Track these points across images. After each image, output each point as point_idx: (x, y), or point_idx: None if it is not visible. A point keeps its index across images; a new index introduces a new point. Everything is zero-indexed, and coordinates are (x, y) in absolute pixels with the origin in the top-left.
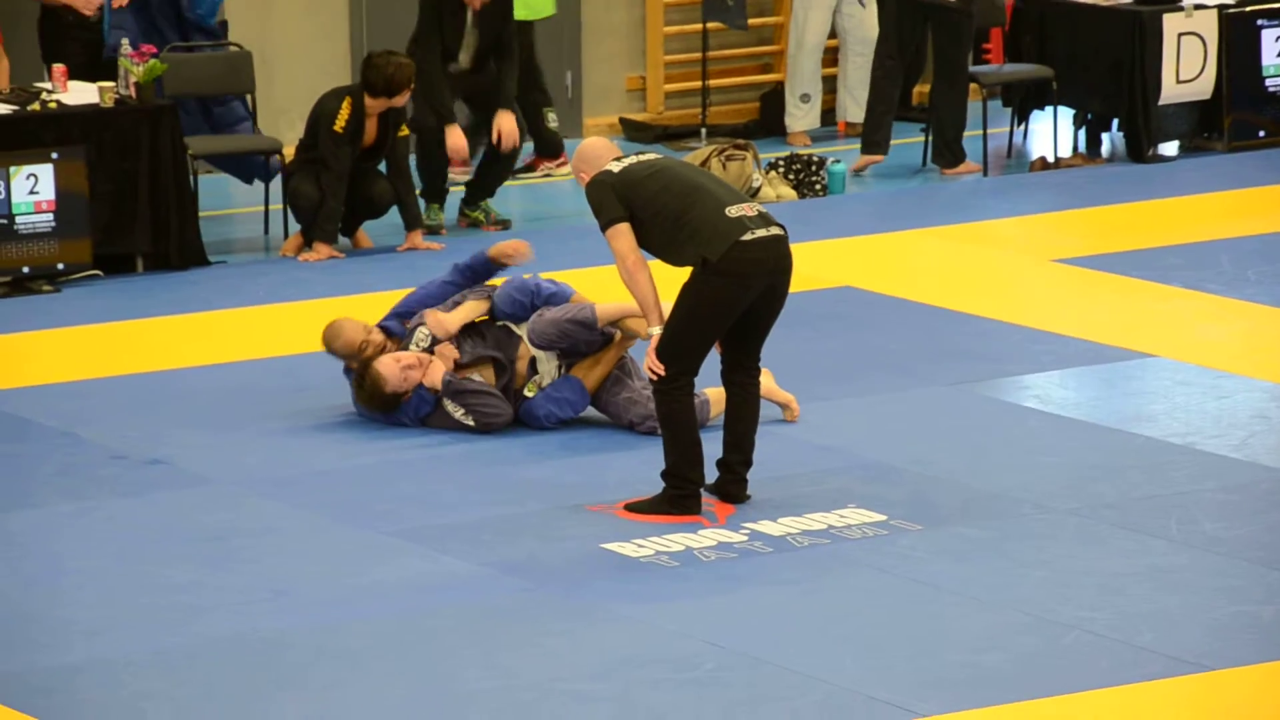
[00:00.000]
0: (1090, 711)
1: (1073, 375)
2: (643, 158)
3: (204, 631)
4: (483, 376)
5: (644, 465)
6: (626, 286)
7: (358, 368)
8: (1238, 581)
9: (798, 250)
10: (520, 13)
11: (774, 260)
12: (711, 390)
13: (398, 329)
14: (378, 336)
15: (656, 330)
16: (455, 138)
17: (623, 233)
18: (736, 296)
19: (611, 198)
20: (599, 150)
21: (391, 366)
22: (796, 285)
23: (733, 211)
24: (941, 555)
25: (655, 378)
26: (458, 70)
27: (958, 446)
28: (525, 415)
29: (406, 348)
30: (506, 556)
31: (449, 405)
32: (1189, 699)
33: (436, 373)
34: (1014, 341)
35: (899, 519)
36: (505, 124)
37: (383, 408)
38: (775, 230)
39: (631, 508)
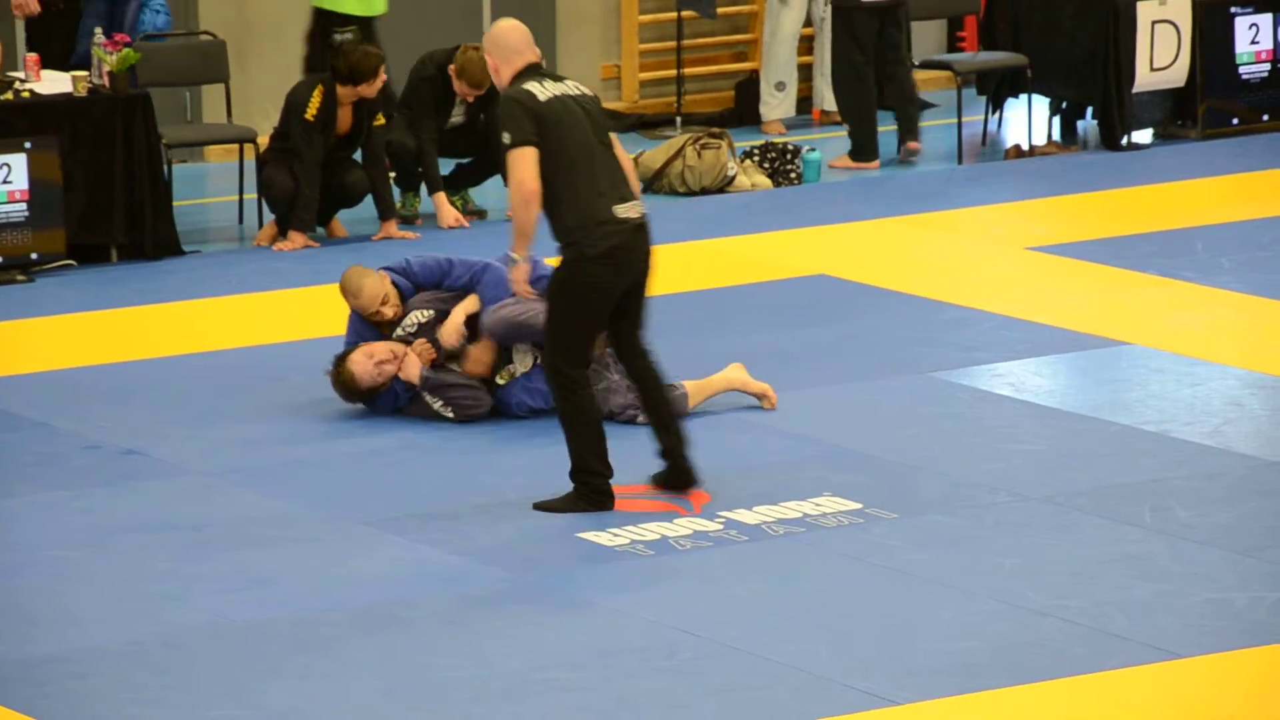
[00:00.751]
0: (1065, 698)
1: (1047, 363)
2: (557, 93)
3: (182, 621)
4: (477, 357)
5: (621, 454)
6: (513, 209)
7: (335, 360)
8: (1211, 569)
9: (773, 239)
10: (354, 6)
11: (641, 248)
12: (690, 383)
13: (406, 287)
14: (393, 295)
15: (518, 257)
16: (444, 211)
17: (529, 157)
18: (611, 284)
19: (528, 121)
20: (515, 41)
21: (364, 364)
22: (772, 273)
23: (605, 198)
24: (917, 543)
25: (548, 372)
26: (448, 127)
27: (933, 435)
28: (498, 403)
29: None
30: (483, 546)
31: (428, 398)
32: (1163, 686)
33: (413, 368)
34: (988, 329)
35: (874, 507)
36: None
37: (357, 400)
38: (637, 218)
39: (541, 506)
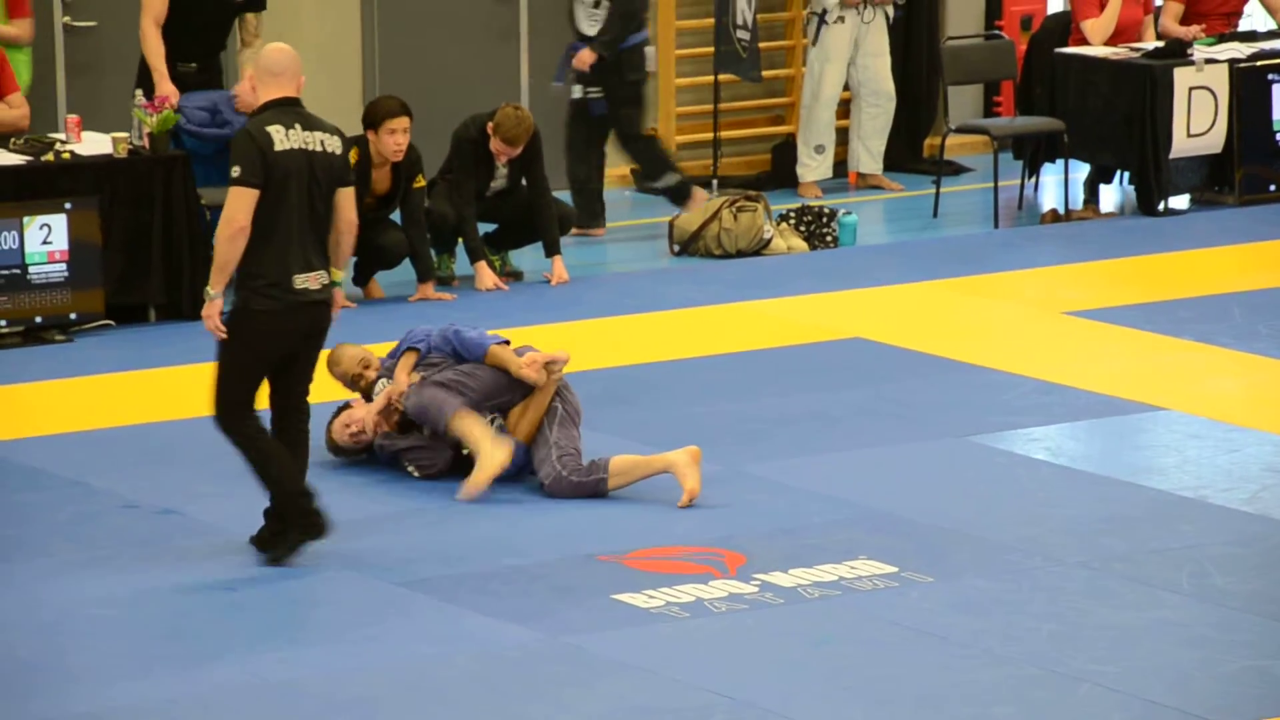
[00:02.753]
0: None
1: (1083, 428)
2: (297, 145)
3: (216, 680)
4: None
5: (654, 515)
6: (218, 242)
7: (332, 416)
8: (1249, 635)
9: (809, 302)
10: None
11: (309, 323)
12: (623, 459)
13: (384, 361)
14: (372, 371)
15: (213, 292)
16: (484, 275)
17: (249, 198)
18: (266, 346)
19: (259, 165)
20: (277, 65)
21: (341, 430)
22: (808, 336)
23: (293, 261)
24: (952, 607)
25: (220, 430)
26: (490, 193)
27: (969, 498)
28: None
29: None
30: (517, 607)
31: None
32: None
33: (367, 437)
34: (1024, 393)
35: (910, 570)
36: (557, 269)
37: (344, 457)
38: (315, 290)
39: (260, 544)
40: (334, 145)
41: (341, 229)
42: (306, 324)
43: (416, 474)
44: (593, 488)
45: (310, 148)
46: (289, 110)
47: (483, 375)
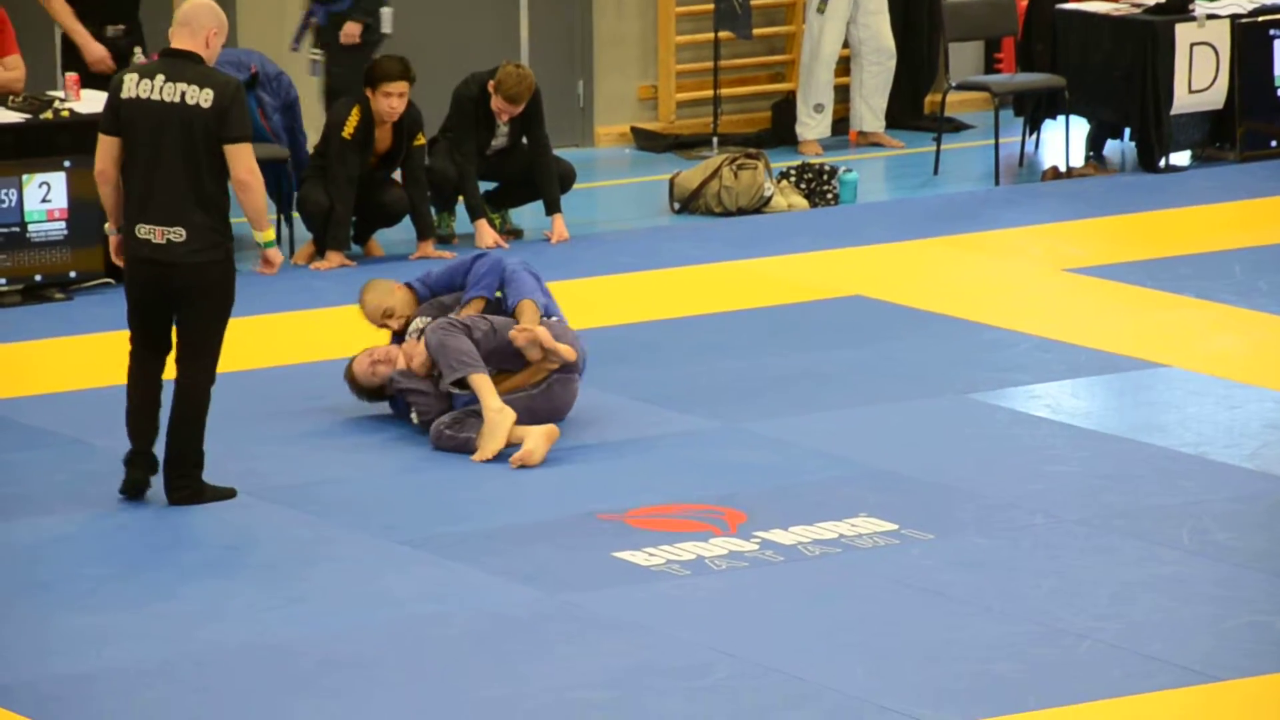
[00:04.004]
0: None
1: (1084, 384)
2: (154, 95)
3: (215, 639)
4: (413, 357)
5: (654, 474)
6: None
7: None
8: (1249, 592)
9: (809, 260)
10: None
11: (156, 278)
12: (535, 429)
13: (422, 291)
14: (401, 308)
15: (108, 230)
16: (484, 232)
17: (103, 144)
18: (136, 291)
19: (109, 111)
20: (182, 16)
21: (363, 363)
22: (808, 294)
23: (137, 212)
24: (953, 564)
25: None
26: (491, 151)
27: (969, 455)
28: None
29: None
30: (517, 565)
31: (405, 403)
32: (1201, 709)
33: (389, 367)
34: (1025, 350)
35: (910, 528)
36: (557, 228)
37: (364, 398)
38: (158, 242)
39: (196, 499)
40: (200, 98)
41: (235, 189)
42: (155, 278)
43: (416, 420)
44: (462, 444)
45: (167, 99)
46: (167, 62)
47: (501, 338)
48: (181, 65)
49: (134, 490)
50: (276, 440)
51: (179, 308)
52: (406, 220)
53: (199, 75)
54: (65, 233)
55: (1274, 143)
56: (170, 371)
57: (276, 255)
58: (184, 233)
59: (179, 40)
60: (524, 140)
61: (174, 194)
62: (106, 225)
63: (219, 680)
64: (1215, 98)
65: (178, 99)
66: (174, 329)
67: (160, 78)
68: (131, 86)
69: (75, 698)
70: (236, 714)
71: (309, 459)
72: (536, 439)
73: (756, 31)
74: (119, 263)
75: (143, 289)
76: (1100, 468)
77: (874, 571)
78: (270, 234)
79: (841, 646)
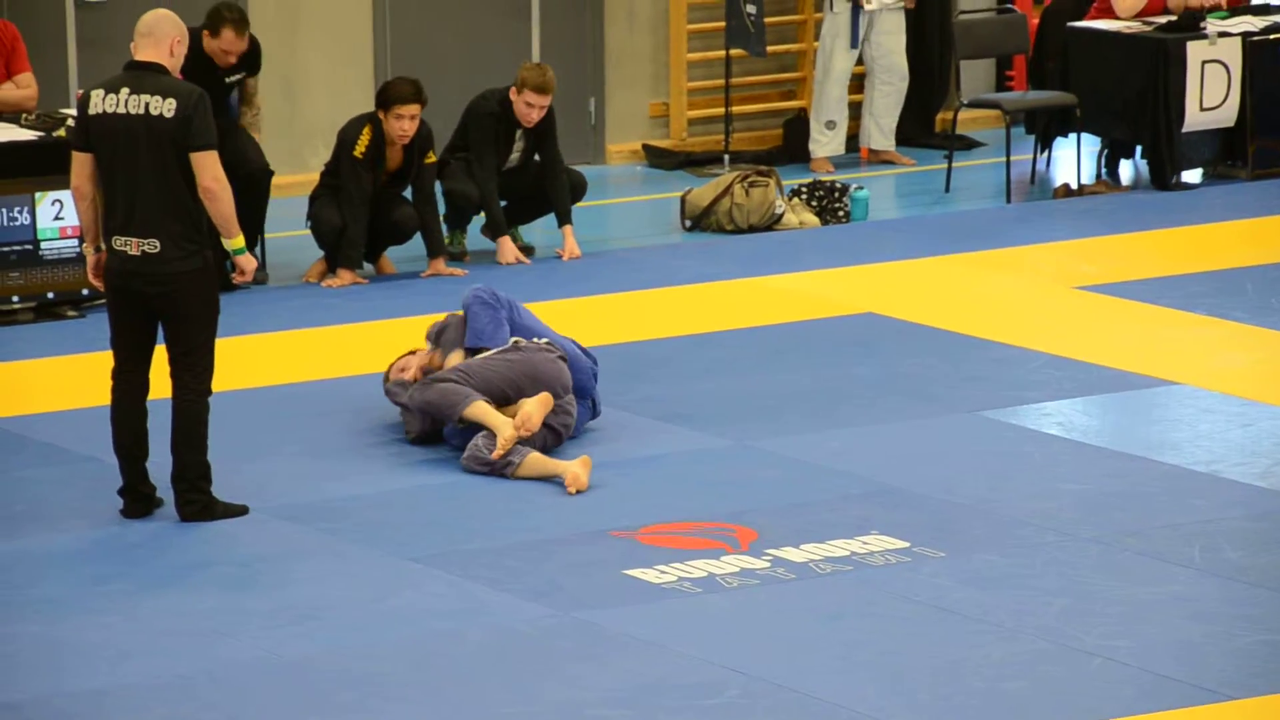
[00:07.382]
0: None
1: (1096, 402)
2: (120, 109)
3: (229, 655)
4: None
5: (666, 491)
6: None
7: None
8: (1261, 610)
9: (821, 277)
10: None
11: (139, 288)
12: (535, 456)
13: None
14: (414, 363)
15: (86, 250)
16: (506, 249)
17: (77, 160)
18: (116, 302)
19: (79, 128)
20: (142, 26)
21: (394, 369)
22: (820, 311)
23: (113, 222)
24: (964, 582)
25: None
26: (506, 169)
27: (980, 473)
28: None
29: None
30: (529, 582)
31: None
32: None
33: (403, 374)
34: (1037, 368)
35: (922, 546)
36: (568, 243)
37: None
38: (133, 254)
39: (207, 514)
40: (163, 108)
41: (202, 196)
42: (138, 289)
43: (408, 437)
44: (499, 469)
45: (132, 111)
46: (130, 74)
47: (492, 371)
48: (144, 77)
49: (137, 516)
50: (289, 457)
51: (163, 320)
52: (418, 237)
53: (161, 86)
54: (78, 250)
55: None
56: (164, 391)
57: (249, 262)
58: (158, 244)
59: (142, 52)
60: (535, 158)
61: (147, 206)
62: (84, 245)
63: (232, 696)
64: (1227, 115)
65: (142, 111)
66: (164, 344)
67: (125, 91)
68: (98, 102)
69: (88, 714)
70: None
71: (321, 476)
72: (576, 468)
73: (768, 49)
74: (96, 284)
75: (123, 303)
76: (1112, 485)
77: (885, 589)
78: (239, 241)
79: (853, 664)
